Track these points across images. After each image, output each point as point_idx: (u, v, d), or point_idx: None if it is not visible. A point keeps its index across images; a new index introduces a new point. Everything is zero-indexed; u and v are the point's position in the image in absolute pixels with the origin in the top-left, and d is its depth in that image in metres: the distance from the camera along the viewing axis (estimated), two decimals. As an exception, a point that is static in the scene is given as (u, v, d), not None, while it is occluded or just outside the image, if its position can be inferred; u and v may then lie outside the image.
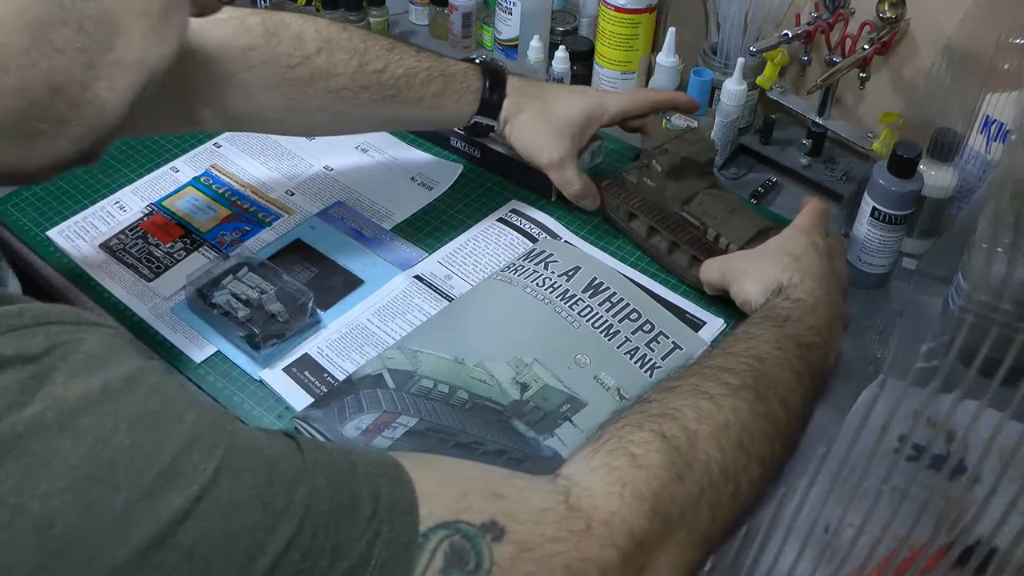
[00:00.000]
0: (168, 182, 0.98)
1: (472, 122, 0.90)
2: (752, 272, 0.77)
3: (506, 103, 0.89)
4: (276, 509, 0.41)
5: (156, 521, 0.38)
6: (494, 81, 0.89)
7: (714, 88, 1.03)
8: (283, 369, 0.78)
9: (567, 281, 0.84)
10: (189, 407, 0.41)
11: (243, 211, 0.95)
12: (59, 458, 0.37)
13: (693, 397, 0.60)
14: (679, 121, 1.02)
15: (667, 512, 0.53)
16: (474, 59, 0.92)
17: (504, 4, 1.13)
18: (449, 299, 0.85)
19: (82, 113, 0.48)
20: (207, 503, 0.39)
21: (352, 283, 0.87)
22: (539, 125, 0.90)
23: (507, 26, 1.15)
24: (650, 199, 0.91)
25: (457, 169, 1.01)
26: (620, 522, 0.51)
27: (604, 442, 0.56)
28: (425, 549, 0.45)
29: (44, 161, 0.49)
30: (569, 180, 0.91)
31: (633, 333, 0.80)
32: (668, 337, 0.80)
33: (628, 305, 0.82)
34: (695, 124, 1.02)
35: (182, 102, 0.78)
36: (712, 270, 0.82)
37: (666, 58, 1.03)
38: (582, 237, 0.93)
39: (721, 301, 0.85)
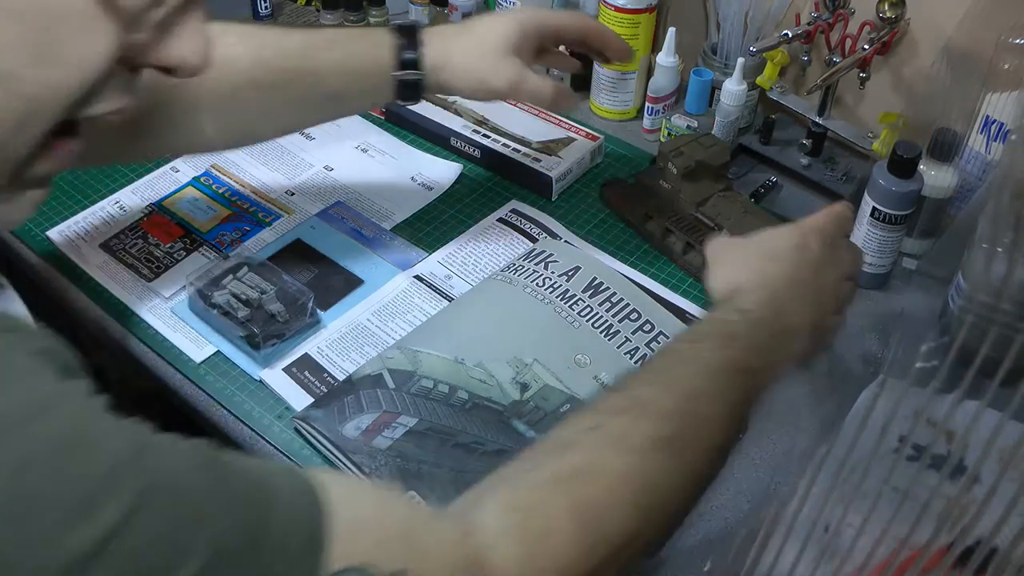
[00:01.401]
0: (168, 182, 0.98)
1: (397, 82, 0.80)
2: (726, 261, 0.71)
3: (427, 51, 0.80)
4: (183, 548, 0.39)
5: (68, 554, 0.36)
6: (405, 32, 0.80)
7: (714, 88, 1.03)
8: (283, 369, 0.78)
9: (567, 281, 0.84)
10: (105, 436, 0.40)
11: (243, 211, 0.95)
12: None
13: (613, 451, 0.56)
14: (679, 121, 1.02)
15: None
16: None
17: (504, 4, 1.13)
18: (449, 299, 0.85)
19: None
20: (118, 543, 0.38)
21: (352, 283, 0.87)
22: (476, 56, 0.81)
23: (507, 26, 1.14)
24: (666, 201, 0.91)
25: (457, 169, 1.01)
26: None
27: (522, 497, 0.54)
28: None
29: None
30: (537, 89, 0.82)
31: (633, 333, 0.80)
32: (668, 337, 0.80)
33: (628, 305, 0.83)
34: (695, 124, 1.02)
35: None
36: (706, 251, 0.74)
37: (666, 58, 1.03)
38: (582, 237, 0.93)
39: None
